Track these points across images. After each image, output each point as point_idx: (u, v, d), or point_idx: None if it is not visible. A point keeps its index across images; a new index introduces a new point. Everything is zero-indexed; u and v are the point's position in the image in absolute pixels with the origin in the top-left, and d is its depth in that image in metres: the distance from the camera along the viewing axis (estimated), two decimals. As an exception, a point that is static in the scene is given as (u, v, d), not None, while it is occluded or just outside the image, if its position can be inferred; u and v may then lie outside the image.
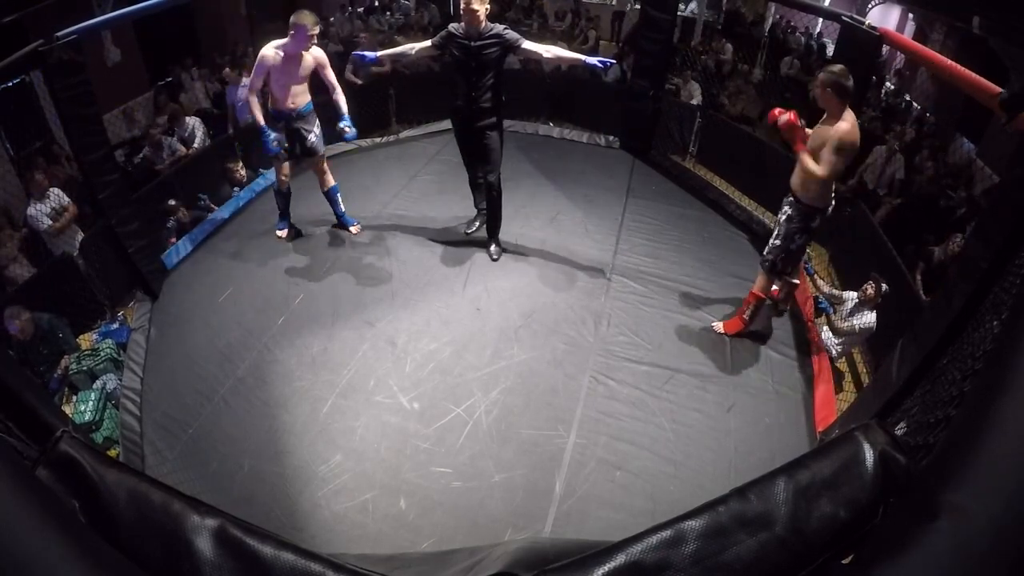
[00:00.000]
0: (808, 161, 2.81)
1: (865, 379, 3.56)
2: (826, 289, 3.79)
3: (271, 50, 3.48)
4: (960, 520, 0.56)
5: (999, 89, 2.28)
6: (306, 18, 3.42)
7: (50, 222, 4.01)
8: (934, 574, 0.54)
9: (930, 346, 2.08)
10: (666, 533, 0.67)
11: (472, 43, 3.28)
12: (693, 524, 0.68)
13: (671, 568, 0.65)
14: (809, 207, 2.98)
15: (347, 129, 3.64)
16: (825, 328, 3.56)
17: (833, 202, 3.05)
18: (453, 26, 3.38)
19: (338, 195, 4.19)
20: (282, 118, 3.71)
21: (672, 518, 0.69)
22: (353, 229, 4.28)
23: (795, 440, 2.96)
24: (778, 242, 3.14)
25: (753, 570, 0.65)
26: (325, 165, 4.04)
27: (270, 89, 3.61)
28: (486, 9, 3.23)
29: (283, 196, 4.14)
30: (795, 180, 3.00)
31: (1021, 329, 0.76)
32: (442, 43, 3.40)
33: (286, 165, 3.93)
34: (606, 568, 0.65)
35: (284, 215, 4.24)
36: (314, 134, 3.82)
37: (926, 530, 0.57)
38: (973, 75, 2.49)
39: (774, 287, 3.59)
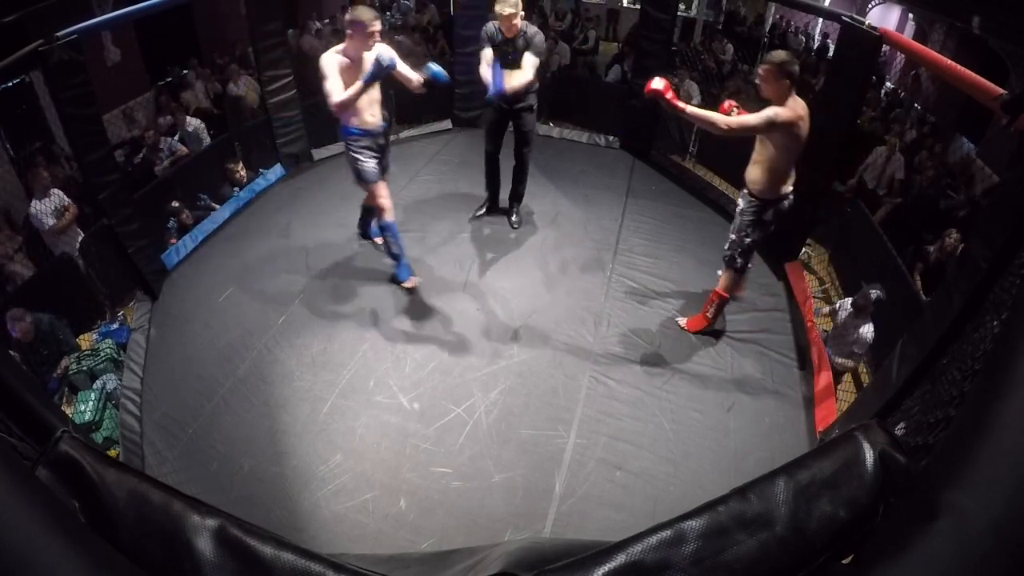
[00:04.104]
0: (699, 112, 2.77)
1: (865, 379, 3.56)
2: (826, 310, 3.73)
3: (335, 57, 3.01)
4: (960, 520, 0.56)
5: (999, 89, 2.28)
6: (364, 13, 2.98)
7: (53, 221, 4.01)
8: (934, 574, 0.54)
9: (930, 346, 2.08)
10: (666, 533, 0.67)
11: (510, 41, 3.61)
12: (693, 524, 0.68)
13: (671, 568, 0.65)
14: (760, 200, 2.96)
15: (433, 66, 3.23)
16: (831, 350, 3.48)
17: (791, 197, 3.00)
18: (490, 28, 3.63)
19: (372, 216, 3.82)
20: (370, 136, 3.26)
21: (672, 518, 0.69)
22: (379, 240, 3.92)
23: (795, 440, 2.96)
24: (733, 236, 3.13)
25: (753, 570, 0.65)
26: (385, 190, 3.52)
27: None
28: (521, 15, 3.53)
29: (391, 229, 3.52)
30: (747, 172, 3.00)
31: (1021, 329, 0.76)
32: (489, 41, 3.65)
33: (383, 185, 3.42)
34: (606, 568, 0.64)
35: (401, 254, 3.64)
36: (390, 151, 3.49)
37: (926, 530, 0.57)
38: (973, 75, 2.49)
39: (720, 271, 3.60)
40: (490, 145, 4.12)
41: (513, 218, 4.39)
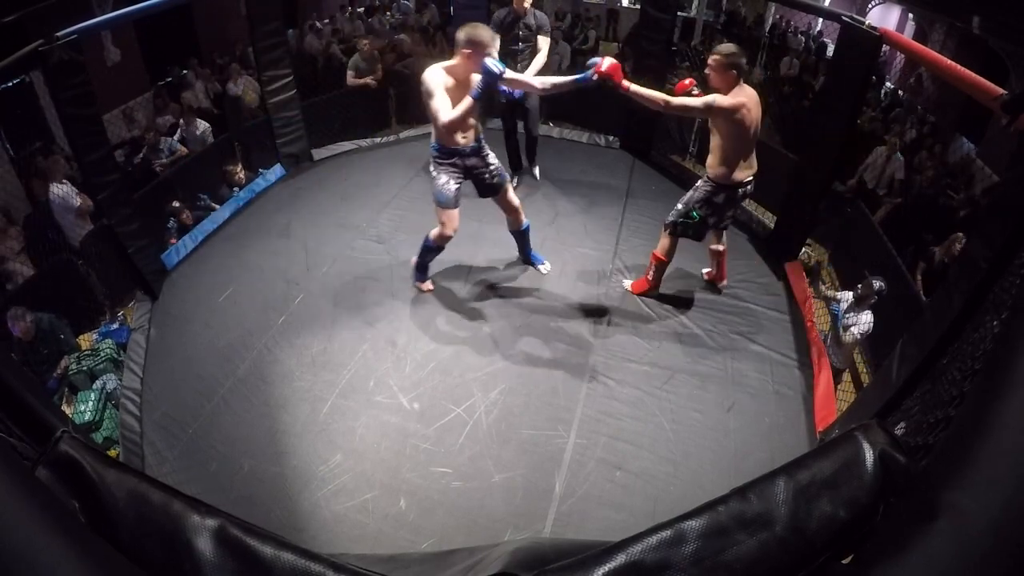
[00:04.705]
0: (643, 91, 2.88)
1: (865, 379, 3.56)
2: (828, 294, 3.80)
3: (440, 74, 2.84)
4: (960, 520, 0.56)
5: (999, 89, 2.28)
6: (484, 32, 2.80)
7: (80, 201, 4.03)
8: (934, 574, 0.54)
9: (930, 346, 2.08)
10: (666, 533, 0.67)
11: (519, 22, 3.99)
12: (693, 524, 0.68)
13: (671, 568, 0.65)
14: (713, 182, 3.17)
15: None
16: (828, 339, 3.53)
17: (748, 186, 3.16)
18: (500, 13, 4.01)
19: (529, 234, 3.76)
20: (456, 156, 3.13)
21: (672, 518, 0.69)
22: (542, 268, 3.91)
23: (795, 440, 2.96)
24: (680, 207, 3.36)
25: (753, 570, 0.65)
26: (516, 198, 3.47)
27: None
28: None
29: (436, 252, 3.54)
30: (707, 158, 3.20)
31: (1021, 329, 0.76)
32: (499, 29, 3.91)
33: (455, 214, 3.28)
34: (606, 568, 0.65)
35: (426, 269, 3.73)
36: (493, 164, 3.26)
37: (926, 530, 0.57)
38: (973, 75, 2.49)
39: (705, 270, 3.84)
40: (507, 125, 4.55)
41: (536, 169, 4.75)
